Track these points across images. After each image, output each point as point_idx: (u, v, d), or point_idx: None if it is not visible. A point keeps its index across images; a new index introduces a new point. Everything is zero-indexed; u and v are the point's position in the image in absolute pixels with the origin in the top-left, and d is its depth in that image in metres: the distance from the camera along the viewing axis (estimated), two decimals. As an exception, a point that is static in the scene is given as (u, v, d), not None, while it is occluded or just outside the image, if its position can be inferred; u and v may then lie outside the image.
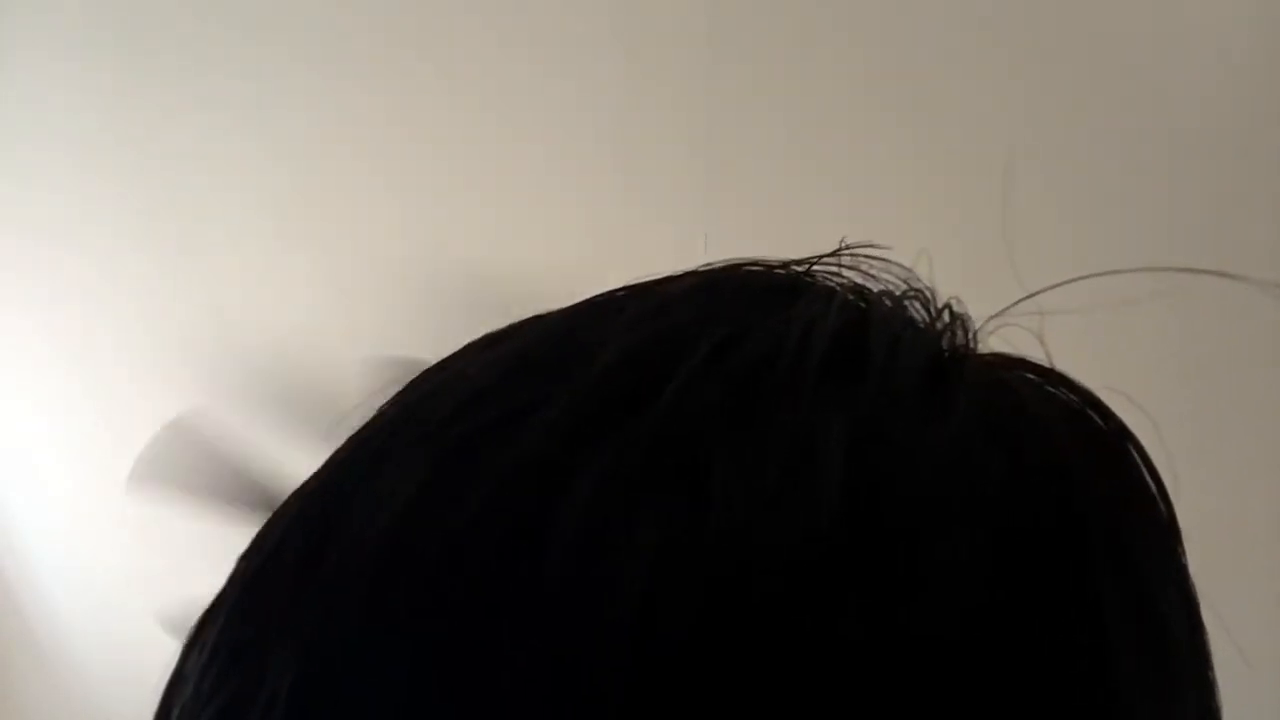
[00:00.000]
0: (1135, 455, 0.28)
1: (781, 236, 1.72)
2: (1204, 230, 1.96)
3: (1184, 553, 0.27)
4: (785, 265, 0.31)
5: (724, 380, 0.24)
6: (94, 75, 1.82)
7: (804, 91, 1.77)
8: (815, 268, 0.31)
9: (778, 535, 0.22)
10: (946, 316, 0.30)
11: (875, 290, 0.31)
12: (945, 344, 0.29)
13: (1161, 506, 0.28)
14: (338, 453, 0.30)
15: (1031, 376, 0.29)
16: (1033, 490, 0.25)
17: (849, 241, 0.34)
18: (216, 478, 2.31)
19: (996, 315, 0.33)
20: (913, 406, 0.25)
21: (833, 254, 0.33)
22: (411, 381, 0.31)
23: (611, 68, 1.78)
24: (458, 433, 0.26)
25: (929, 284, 0.31)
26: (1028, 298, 0.36)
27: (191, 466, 2.29)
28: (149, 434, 2.43)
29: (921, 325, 0.29)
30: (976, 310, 0.32)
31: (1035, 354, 0.32)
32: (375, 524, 0.24)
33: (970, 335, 0.30)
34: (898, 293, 0.31)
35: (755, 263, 0.31)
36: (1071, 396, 0.29)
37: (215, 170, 1.94)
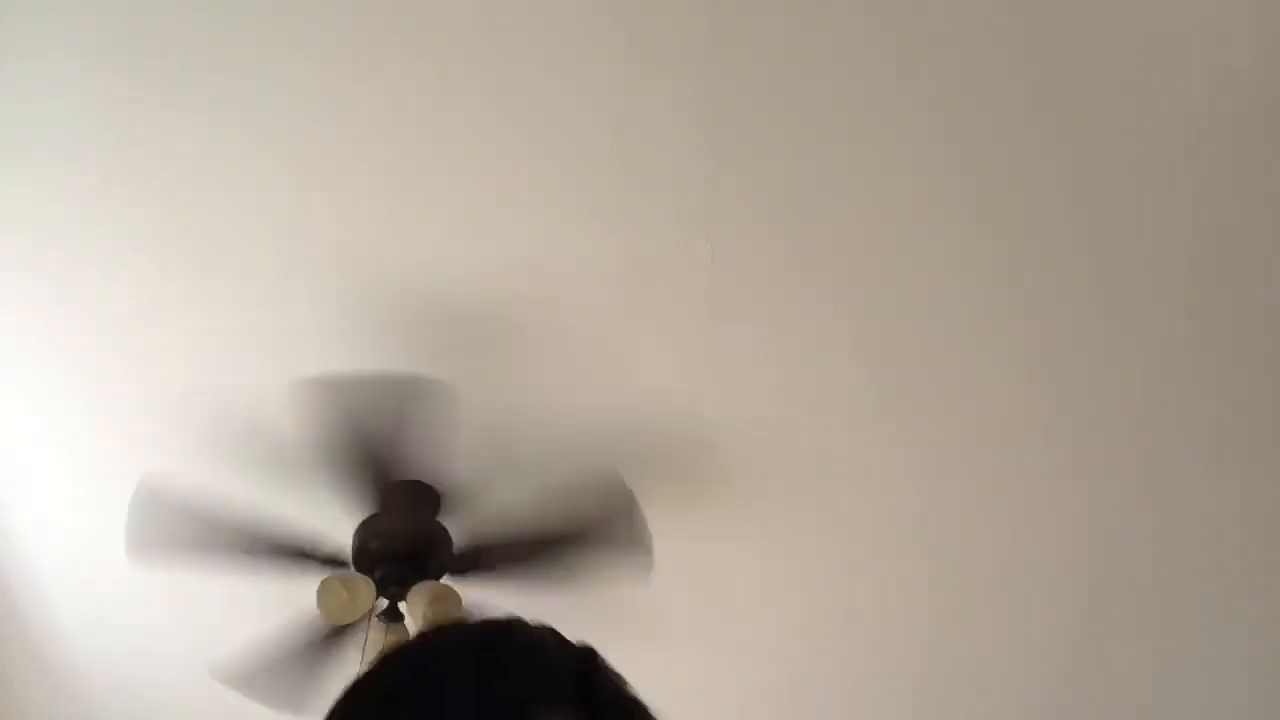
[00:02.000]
0: None
1: (785, 240, 1.71)
2: (1206, 227, 1.96)
3: None
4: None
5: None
6: (94, 75, 1.81)
7: (809, 95, 1.77)
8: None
9: None
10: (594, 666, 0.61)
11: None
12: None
13: None
14: None
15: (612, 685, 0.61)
16: None
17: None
18: (194, 532, 2.37)
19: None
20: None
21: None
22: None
23: (613, 71, 1.78)
24: None
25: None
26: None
27: (170, 526, 2.36)
28: (149, 434, 2.43)
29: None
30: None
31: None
32: None
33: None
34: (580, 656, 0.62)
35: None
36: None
37: (215, 170, 1.94)
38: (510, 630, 0.59)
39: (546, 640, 0.60)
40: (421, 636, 0.63)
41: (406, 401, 2.18)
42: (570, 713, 0.55)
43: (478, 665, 0.56)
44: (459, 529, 2.47)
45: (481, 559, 2.42)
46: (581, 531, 2.32)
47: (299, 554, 2.39)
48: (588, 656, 0.59)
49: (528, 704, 0.54)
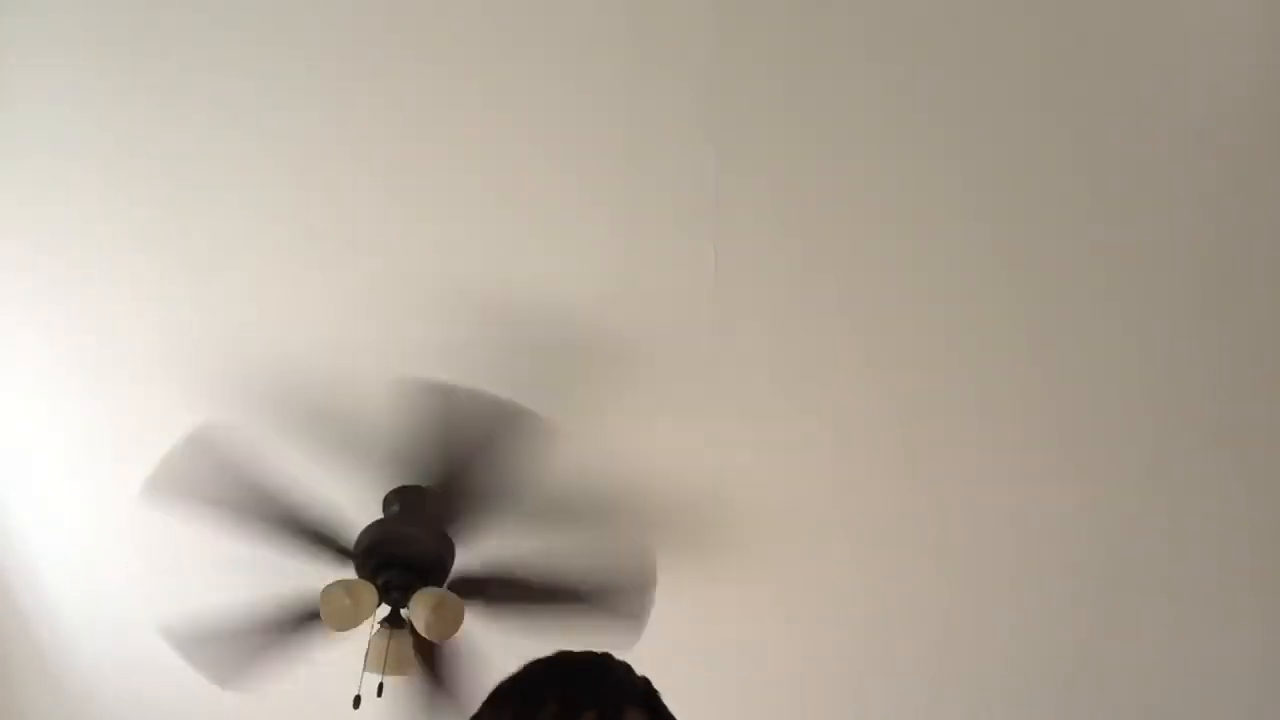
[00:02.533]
0: None
1: (787, 240, 1.70)
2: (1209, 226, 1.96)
3: None
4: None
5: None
6: (94, 76, 1.81)
7: (811, 95, 1.77)
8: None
9: None
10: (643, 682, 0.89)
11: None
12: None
13: None
14: None
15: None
16: None
17: None
18: (230, 489, 2.33)
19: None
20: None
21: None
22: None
23: (614, 71, 1.77)
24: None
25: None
26: None
27: (207, 477, 2.30)
28: (149, 433, 2.42)
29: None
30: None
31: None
32: None
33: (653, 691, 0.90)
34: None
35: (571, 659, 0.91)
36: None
37: (215, 170, 1.94)
38: (606, 658, 0.91)
39: (628, 668, 0.90)
40: (547, 657, 0.90)
41: (503, 425, 2.22)
42: (643, 714, 0.86)
43: (592, 673, 0.89)
44: (465, 541, 2.46)
45: (486, 590, 2.42)
46: (591, 595, 2.34)
47: (317, 536, 2.36)
48: (649, 682, 0.89)
49: (622, 701, 0.85)
